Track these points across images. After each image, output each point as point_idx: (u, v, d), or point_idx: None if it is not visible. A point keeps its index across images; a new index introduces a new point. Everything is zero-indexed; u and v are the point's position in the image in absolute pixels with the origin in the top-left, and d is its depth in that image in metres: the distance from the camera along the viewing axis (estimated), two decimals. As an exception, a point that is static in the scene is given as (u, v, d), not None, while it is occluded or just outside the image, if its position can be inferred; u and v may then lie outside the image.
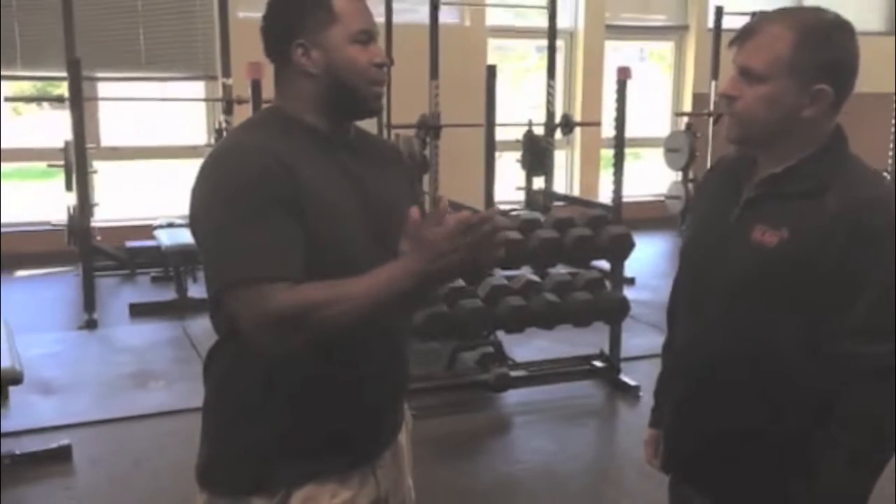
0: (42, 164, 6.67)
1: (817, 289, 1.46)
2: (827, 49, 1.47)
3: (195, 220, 1.47)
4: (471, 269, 1.37)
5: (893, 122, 6.35)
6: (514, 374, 4.25)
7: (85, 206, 5.64)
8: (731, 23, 7.08)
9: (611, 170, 5.80)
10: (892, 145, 6.41)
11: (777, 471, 1.56)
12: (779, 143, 1.52)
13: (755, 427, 1.56)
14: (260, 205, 1.40)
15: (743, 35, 1.52)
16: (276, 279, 1.36)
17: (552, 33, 7.10)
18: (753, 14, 6.43)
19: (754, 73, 1.48)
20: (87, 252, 5.61)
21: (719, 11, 7.53)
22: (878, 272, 1.43)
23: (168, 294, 5.83)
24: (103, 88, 7.03)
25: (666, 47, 9.16)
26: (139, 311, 5.59)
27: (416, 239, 1.36)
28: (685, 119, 8.09)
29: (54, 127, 6.82)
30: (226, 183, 1.43)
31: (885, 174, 6.85)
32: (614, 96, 5.62)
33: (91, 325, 5.31)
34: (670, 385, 1.74)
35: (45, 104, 7.79)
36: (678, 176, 7.82)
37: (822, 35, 1.48)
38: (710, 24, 7.87)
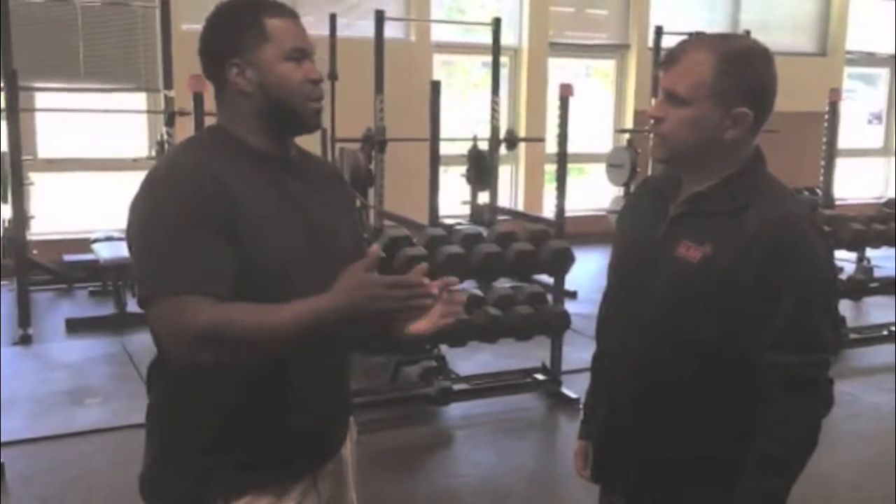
0: (-24, 176, 6.49)
1: (739, 302, 1.52)
2: (747, 74, 1.54)
3: (129, 236, 1.50)
4: (391, 319, 1.42)
5: (824, 139, 6.57)
6: (456, 387, 4.28)
7: (20, 218, 5.52)
8: (671, 42, 7.25)
9: (555, 184, 5.89)
10: (822, 162, 6.62)
11: (705, 478, 1.60)
12: (702, 164, 1.59)
13: (683, 437, 1.60)
14: (191, 222, 1.42)
15: (668, 60, 1.58)
16: (198, 294, 1.39)
17: (496, 50, 7.19)
18: (691, 34, 6.58)
19: (678, 96, 1.55)
20: (22, 266, 5.48)
21: (659, 31, 7.70)
22: (793, 287, 1.50)
23: (106, 309, 5.72)
24: (41, 99, 6.89)
25: (609, 65, 9.33)
26: (76, 327, 5.47)
27: (353, 276, 1.38)
28: (627, 135, 8.24)
29: (-11, 138, 6.64)
30: (159, 200, 1.46)
31: (816, 190, 7.08)
32: (558, 112, 5.71)
33: (26, 340, 5.19)
34: (599, 398, 1.78)
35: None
36: (620, 191, 7.97)
37: (743, 61, 1.54)
38: (651, 42, 8.04)
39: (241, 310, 1.40)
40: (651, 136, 1.65)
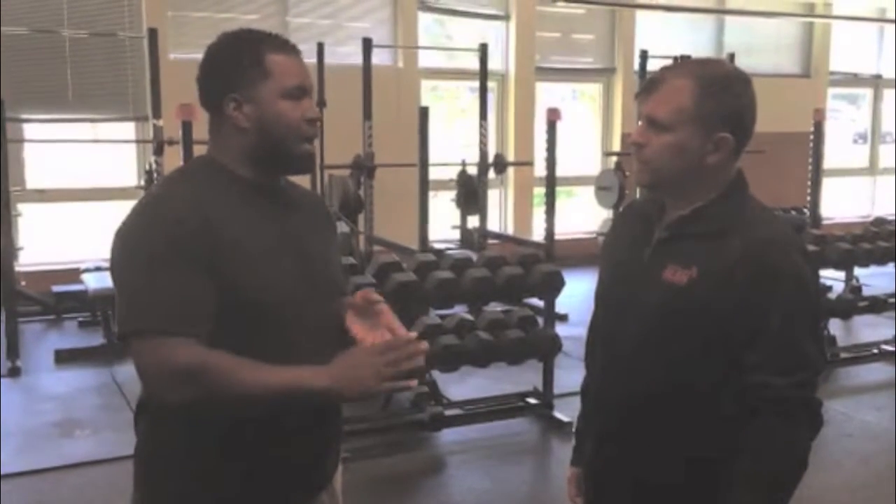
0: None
1: (725, 325, 1.52)
2: (727, 99, 1.56)
3: (112, 268, 1.50)
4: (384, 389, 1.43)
5: (810, 159, 6.63)
6: (448, 412, 4.26)
7: (9, 249, 5.49)
8: (656, 66, 7.31)
9: (544, 207, 5.92)
10: (808, 182, 6.68)
11: (698, 501, 1.60)
12: (685, 188, 1.60)
13: (673, 463, 1.60)
14: (170, 260, 1.42)
15: (648, 86, 1.59)
16: (174, 334, 1.40)
17: (483, 75, 7.25)
18: (676, 58, 6.64)
19: (660, 122, 1.56)
20: (10, 297, 5.44)
21: (644, 55, 7.78)
22: (778, 307, 1.50)
23: (95, 339, 5.68)
24: (29, 130, 6.89)
25: (596, 88, 9.39)
26: (65, 358, 5.42)
27: (356, 356, 1.43)
28: (615, 158, 8.28)
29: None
30: (142, 236, 1.46)
31: (803, 210, 7.13)
32: (546, 136, 5.75)
33: (14, 372, 5.14)
34: (590, 425, 1.77)
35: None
36: (610, 213, 7.99)
37: (722, 86, 1.56)
38: (637, 66, 8.11)
39: (222, 358, 1.40)
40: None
